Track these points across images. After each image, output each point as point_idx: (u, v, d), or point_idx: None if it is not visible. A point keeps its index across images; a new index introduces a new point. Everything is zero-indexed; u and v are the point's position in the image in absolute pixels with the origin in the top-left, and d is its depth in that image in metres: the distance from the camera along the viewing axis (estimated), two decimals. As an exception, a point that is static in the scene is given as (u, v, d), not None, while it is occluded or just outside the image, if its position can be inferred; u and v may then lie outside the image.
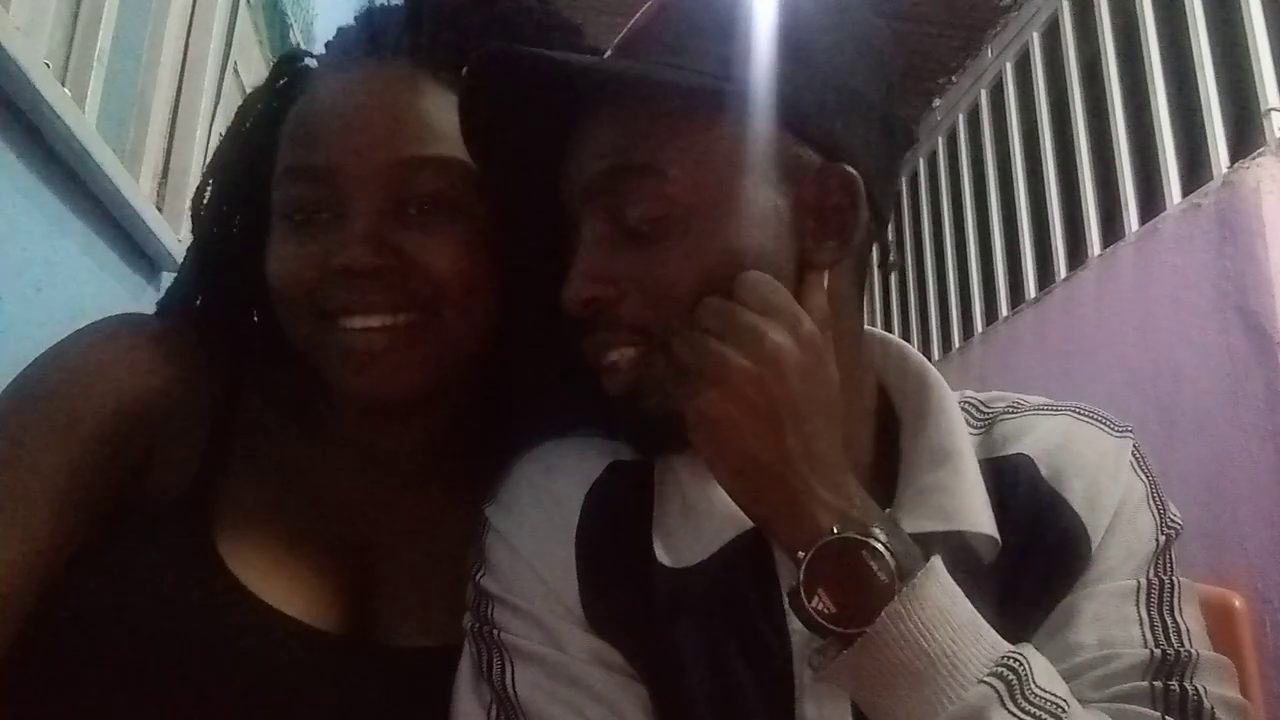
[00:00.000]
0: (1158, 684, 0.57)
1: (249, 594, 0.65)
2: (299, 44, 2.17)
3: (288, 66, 0.80)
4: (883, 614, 0.52)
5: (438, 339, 0.70)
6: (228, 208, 0.78)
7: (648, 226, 0.62)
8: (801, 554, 0.54)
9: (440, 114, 0.72)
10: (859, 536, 0.54)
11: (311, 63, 0.80)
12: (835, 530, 0.54)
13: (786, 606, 0.61)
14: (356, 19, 0.79)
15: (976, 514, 0.62)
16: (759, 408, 0.55)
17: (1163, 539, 0.64)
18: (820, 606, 0.53)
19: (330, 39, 0.80)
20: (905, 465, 0.65)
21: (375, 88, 0.73)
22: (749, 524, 0.61)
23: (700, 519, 0.63)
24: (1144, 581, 0.62)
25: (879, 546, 0.53)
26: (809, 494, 0.55)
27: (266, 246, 0.73)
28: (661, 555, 0.63)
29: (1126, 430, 0.69)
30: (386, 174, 0.69)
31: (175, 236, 1.51)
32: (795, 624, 0.61)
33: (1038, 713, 0.51)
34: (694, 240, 0.61)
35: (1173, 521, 0.66)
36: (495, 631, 0.64)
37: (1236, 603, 0.93)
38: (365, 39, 0.77)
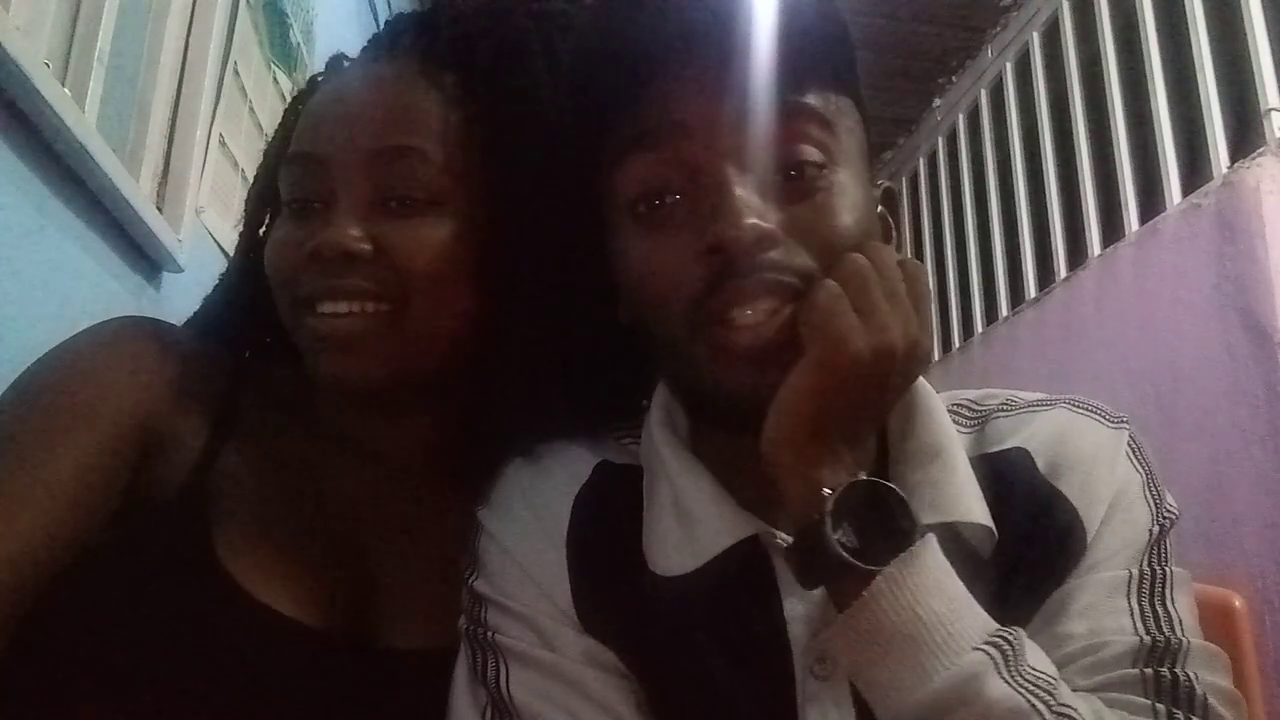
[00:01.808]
0: (1148, 671, 0.56)
1: (246, 594, 0.65)
2: (299, 44, 2.17)
3: (324, 71, 0.82)
4: (878, 577, 0.53)
5: (405, 330, 0.70)
6: (258, 209, 0.80)
7: (814, 173, 0.62)
8: (829, 491, 0.56)
9: (432, 109, 0.72)
10: (886, 483, 0.57)
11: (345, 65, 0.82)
12: (863, 476, 0.57)
13: (785, 615, 0.61)
14: (385, 23, 0.80)
15: (969, 503, 0.62)
16: (865, 360, 0.56)
17: (1157, 529, 0.64)
18: (844, 539, 0.55)
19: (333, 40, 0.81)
20: (894, 466, 0.65)
21: (372, 82, 0.75)
22: (745, 532, 0.62)
23: (695, 525, 0.63)
24: (1136, 572, 0.61)
25: (903, 495, 0.56)
26: (845, 449, 0.58)
27: None
28: (654, 563, 0.63)
29: (1122, 421, 0.69)
30: (370, 163, 0.70)
31: (175, 236, 1.50)
32: (795, 631, 0.61)
33: (1030, 686, 0.51)
34: (850, 196, 0.62)
35: (1169, 511, 0.66)
36: (489, 634, 0.64)
37: (1236, 603, 0.94)
38: (380, 40, 0.79)
